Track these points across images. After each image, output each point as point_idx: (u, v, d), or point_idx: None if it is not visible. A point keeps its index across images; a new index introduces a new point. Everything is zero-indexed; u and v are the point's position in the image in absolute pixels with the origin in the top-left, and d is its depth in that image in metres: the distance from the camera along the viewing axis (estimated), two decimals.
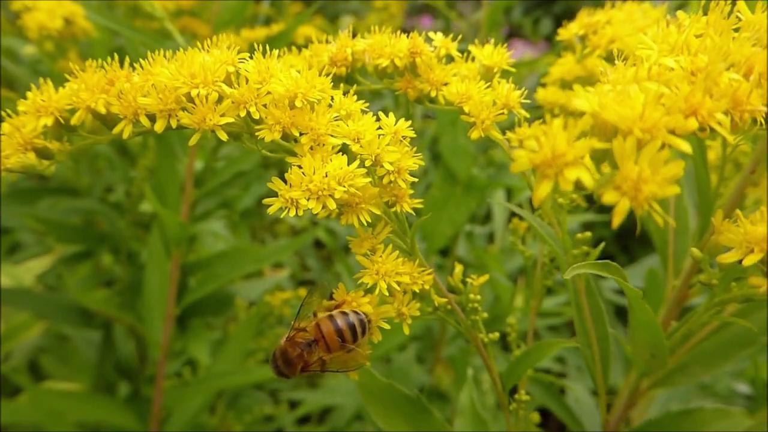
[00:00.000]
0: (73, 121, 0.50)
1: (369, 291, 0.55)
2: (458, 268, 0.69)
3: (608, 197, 0.30)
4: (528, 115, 0.61)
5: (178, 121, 0.49)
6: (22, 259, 1.88)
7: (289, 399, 1.82)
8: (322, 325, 0.55)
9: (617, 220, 0.30)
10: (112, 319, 1.52)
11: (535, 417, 0.87)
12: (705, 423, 0.77)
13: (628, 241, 2.92)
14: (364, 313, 0.55)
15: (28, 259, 1.86)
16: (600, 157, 0.33)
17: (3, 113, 0.52)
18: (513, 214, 2.16)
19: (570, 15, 0.86)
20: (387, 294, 0.53)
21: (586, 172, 0.30)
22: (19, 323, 1.75)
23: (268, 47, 0.53)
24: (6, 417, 1.41)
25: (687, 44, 0.38)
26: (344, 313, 0.54)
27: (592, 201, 0.84)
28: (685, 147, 0.31)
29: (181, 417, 1.44)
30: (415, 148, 0.54)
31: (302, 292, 1.67)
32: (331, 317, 0.54)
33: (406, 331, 0.56)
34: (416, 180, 0.54)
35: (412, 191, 0.55)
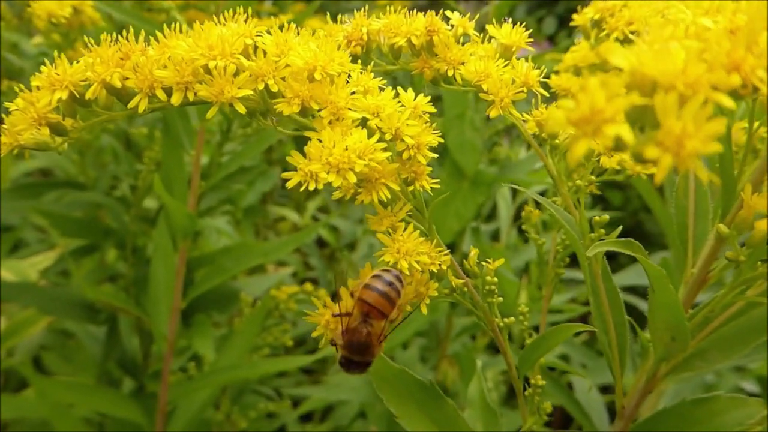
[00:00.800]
0: (88, 95, 0.49)
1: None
2: (473, 252, 0.68)
3: (650, 153, 0.29)
4: (547, 94, 0.60)
5: (195, 94, 0.48)
6: (25, 256, 1.87)
7: (293, 395, 1.81)
8: (365, 297, 0.54)
9: (661, 175, 0.29)
10: (117, 314, 1.51)
11: (548, 406, 0.86)
12: (720, 412, 0.76)
13: (632, 238, 2.91)
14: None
15: (31, 256, 1.85)
16: (636, 119, 0.32)
17: (11, 98, 0.51)
18: (519, 212, 2.15)
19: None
20: (408, 274, 0.53)
21: (626, 128, 0.30)
22: (23, 319, 1.74)
23: (285, 23, 0.52)
24: (10, 412, 1.40)
25: (721, 7, 0.37)
26: (377, 276, 0.53)
27: (597, 199, 0.83)
28: (729, 102, 0.30)
29: (186, 411, 1.43)
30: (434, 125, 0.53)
31: (308, 287, 1.66)
32: (367, 285, 0.54)
33: (425, 311, 0.55)
34: (436, 156, 0.54)
35: (431, 169, 0.54)
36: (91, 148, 1.59)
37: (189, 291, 1.44)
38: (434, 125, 0.56)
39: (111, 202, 1.54)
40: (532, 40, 0.63)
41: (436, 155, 0.53)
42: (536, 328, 1.28)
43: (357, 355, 0.56)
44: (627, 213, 3.08)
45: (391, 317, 0.56)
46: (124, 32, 0.50)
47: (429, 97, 0.54)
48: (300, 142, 0.52)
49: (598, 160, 0.60)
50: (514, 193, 2.10)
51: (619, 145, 0.30)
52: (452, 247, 1.98)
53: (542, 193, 2.16)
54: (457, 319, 1.84)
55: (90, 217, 1.63)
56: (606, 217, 0.66)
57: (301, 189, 0.48)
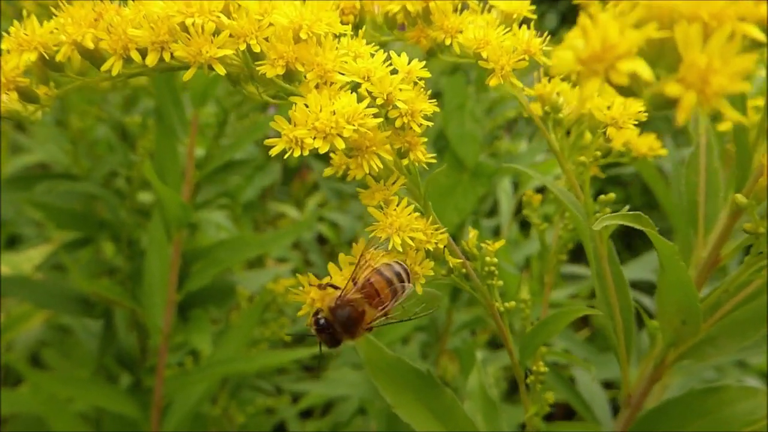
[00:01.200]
0: (59, 57, 0.46)
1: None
2: (472, 233, 0.65)
3: (671, 89, 0.26)
4: (549, 62, 0.56)
5: (171, 55, 0.45)
6: (22, 251, 1.85)
7: (292, 392, 1.78)
8: (373, 280, 0.52)
9: (683, 116, 0.26)
10: (112, 307, 1.49)
11: (550, 396, 0.83)
12: (729, 402, 0.73)
13: (631, 239, 2.88)
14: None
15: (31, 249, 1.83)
16: (652, 58, 0.29)
17: None
18: (520, 207, 2.12)
19: (575, 11, 0.82)
20: (400, 250, 0.49)
21: (642, 63, 0.26)
22: (20, 314, 1.72)
23: None
24: (7, 407, 1.38)
25: None
26: (389, 264, 0.51)
27: (597, 194, 0.80)
28: (759, 34, 0.27)
29: (182, 406, 1.41)
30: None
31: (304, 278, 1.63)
32: (378, 270, 0.51)
33: (419, 290, 0.52)
34: (431, 125, 0.50)
35: (425, 139, 0.51)
36: (85, 139, 1.56)
37: (185, 284, 1.41)
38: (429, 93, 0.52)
39: (106, 194, 1.52)
40: (534, 7, 0.60)
41: (434, 143, 0.49)
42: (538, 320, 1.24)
43: (340, 327, 0.53)
44: (629, 210, 3.05)
45: (386, 310, 0.54)
46: None
47: (424, 62, 0.51)
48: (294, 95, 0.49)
49: (605, 134, 0.56)
50: (515, 187, 2.07)
51: (634, 86, 0.27)
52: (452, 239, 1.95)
53: (542, 188, 2.13)
54: (457, 315, 1.81)
55: (84, 209, 1.61)
56: (612, 195, 0.62)
57: (285, 156, 0.44)
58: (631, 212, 0.46)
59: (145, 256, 1.42)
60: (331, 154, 0.58)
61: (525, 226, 2.19)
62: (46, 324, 1.80)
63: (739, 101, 0.48)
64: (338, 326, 0.53)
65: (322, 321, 0.53)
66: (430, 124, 0.50)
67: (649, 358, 0.66)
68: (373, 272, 0.53)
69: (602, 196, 0.63)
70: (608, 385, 1.60)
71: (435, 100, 0.52)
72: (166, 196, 1.21)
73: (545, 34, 0.59)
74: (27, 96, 0.47)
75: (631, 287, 1.77)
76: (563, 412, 2.02)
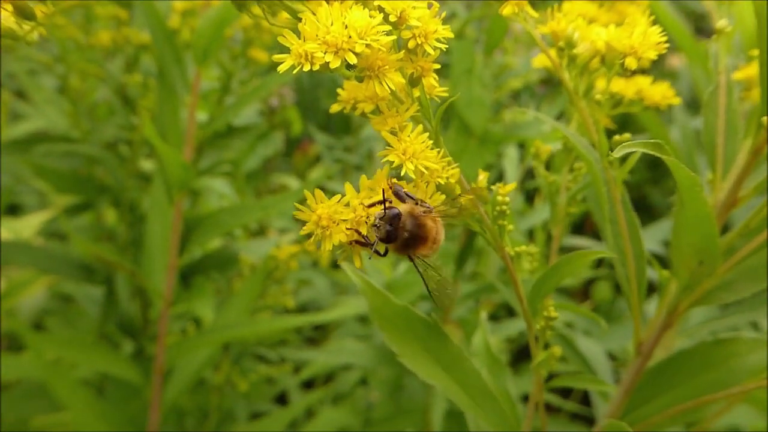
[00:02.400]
0: None
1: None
2: (482, 176, 0.63)
3: None
4: None
5: None
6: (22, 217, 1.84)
7: (294, 361, 1.78)
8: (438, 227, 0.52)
9: (659, 97, 0.24)
10: (114, 273, 1.48)
11: (557, 350, 0.81)
12: (741, 353, 0.72)
13: (637, 210, 2.88)
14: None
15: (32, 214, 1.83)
16: None
17: None
18: (525, 177, 2.10)
19: None
20: (413, 177, 0.48)
21: None
22: (21, 280, 1.72)
23: None
24: (9, 373, 1.37)
25: None
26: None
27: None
28: None
29: (184, 371, 1.40)
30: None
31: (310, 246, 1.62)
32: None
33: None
34: (445, 47, 0.48)
35: (438, 66, 0.49)
36: (85, 101, 1.54)
37: (186, 249, 1.40)
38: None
39: (106, 156, 1.50)
40: None
41: (445, 47, 0.47)
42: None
43: (405, 232, 0.50)
44: (631, 185, 3.04)
45: (431, 252, 0.54)
46: None
47: None
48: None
49: (623, 64, 0.54)
50: (521, 156, 2.05)
51: None
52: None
53: (547, 167, 2.10)
54: (462, 284, 1.80)
55: (85, 173, 1.59)
56: (627, 135, 0.60)
57: (295, 71, 0.43)
58: (651, 140, 0.44)
59: (146, 220, 1.41)
60: (339, 90, 0.57)
61: (530, 197, 2.18)
62: (48, 292, 1.80)
63: (764, 24, 0.46)
64: (405, 231, 0.50)
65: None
66: (444, 47, 0.48)
67: (662, 304, 0.64)
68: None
69: (617, 137, 0.61)
70: (611, 357, 1.60)
71: (442, 66, 0.50)
72: (167, 155, 1.19)
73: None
74: (23, 12, 0.45)
75: None
76: (563, 389, 2.03)
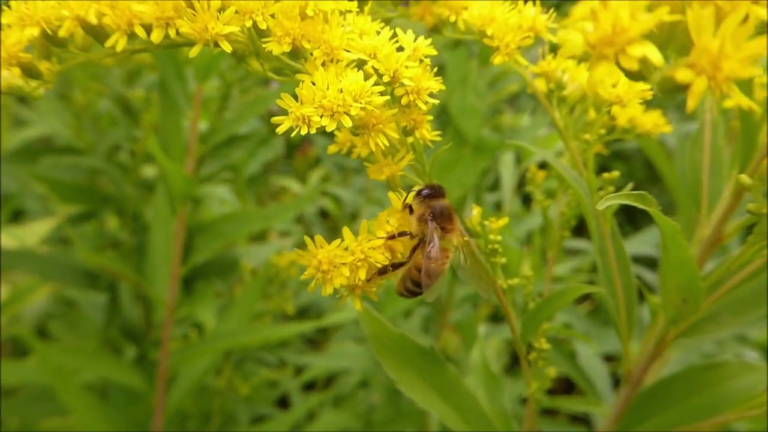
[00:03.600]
0: (61, 33, 0.46)
1: None
2: (476, 210, 0.65)
3: (682, 75, 0.26)
4: (554, 40, 0.56)
5: (177, 31, 0.45)
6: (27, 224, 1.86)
7: (295, 364, 1.80)
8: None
9: (693, 102, 0.25)
10: (117, 280, 1.50)
11: (551, 372, 0.84)
12: (730, 377, 0.74)
13: (635, 214, 2.88)
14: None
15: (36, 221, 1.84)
16: (662, 44, 0.28)
17: None
18: (521, 181, 2.11)
19: None
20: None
21: (653, 48, 0.26)
22: (25, 286, 1.74)
23: None
24: (13, 378, 1.40)
25: None
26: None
27: (600, 169, 0.80)
28: None
29: (187, 378, 1.43)
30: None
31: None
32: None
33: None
34: (437, 102, 0.50)
35: (431, 117, 0.51)
36: (88, 112, 1.56)
37: (189, 257, 1.42)
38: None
39: (109, 168, 1.52)
40: None
41: (437, 117, 0.49)
42: (540, 296, 1.25)
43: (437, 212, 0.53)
44: (632, 180, 3.04)
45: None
46: None
47: (430, 40, 0.50)
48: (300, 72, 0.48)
49: (609, 112, 0.56)
50: (518, 161, 2.07)
51: (644, 70, 0.27)
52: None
53: (544, 164, 2.12)
54: (459, 288, 1.82)
55: (88, 183, 1.61)
56: (616, 173, 0.62)
57: (293, 134, 0.44)
58: (634, 192, 0.46)
59: (149, 230, 1.43)
60: (336, 132, 0.58)
61: (527, 200, 2.19)
62: (52, 297, 1.82)
63: (745, 80, 0.48)
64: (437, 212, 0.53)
65: (426, 191, 0.53)
66: (436, 102, 0.49)
67: (650, 334, 0.66)
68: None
69: (606, 174, 0.63)
70: (609, 358, 1.62)
71: (438, 74, 0.51)
72: (170, 169, 1.21)
73: (551, 8, 0.58)
74: (29, 71, 0.47)
75: (633, 262, 1.78)
76: (564, 386, 2.05)
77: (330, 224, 2.48)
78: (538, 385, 0.65)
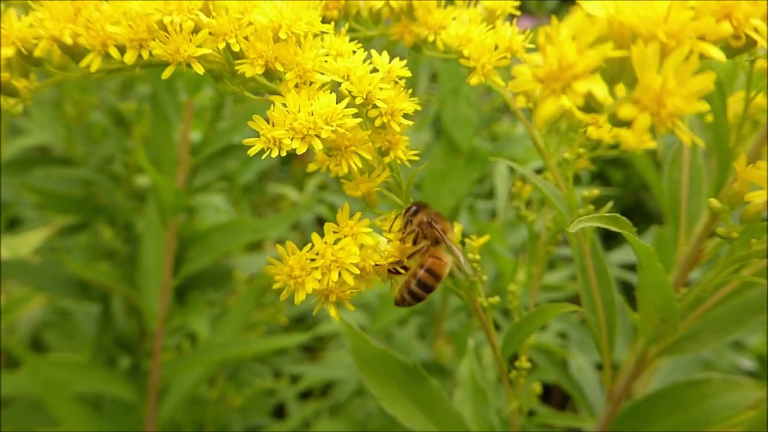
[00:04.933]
0: (37, 52, 0.46)
1: None
2: (456, 228, 0.65)
3: (625, 112, 0.26)
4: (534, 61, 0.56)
5: (150, 52, 0.45)
6: (22, 233, 1.86)
7: (291, 373, 1.80)
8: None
9: (635, 140, 0.25)
10: (109, 292, 1.50)
11: (536, 388, 0.83)
12: (713, 394, 0.73)
13: (631, 219, 2.87)
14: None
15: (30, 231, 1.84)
16: (613, 77, 0.28)
17: None
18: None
19: None
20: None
21: (599, 84, 0.26)
22: (20, 296, 1.74)
23: None
24: (6, 389, 1.40)
25: None
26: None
27: (597, 176, 0.79)
28: (718, 54, 0.27)
29: (179, 389, 1.42)
30: (414, 119, 0.50)
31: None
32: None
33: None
34: (412, 124, 0.50)
35: (407, 138, 0.51)
36: (81, 122, 1.56)
37: (181, 268, 1.42)
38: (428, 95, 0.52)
39: (101, 179, 1.52)
40: (518, 3, 0.59)
41: (412, 123, 0.49)
42: (536, 305, 1.25)
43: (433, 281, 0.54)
44: (628, 191, 3.04)
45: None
46: None
47: (405, 61, 0.51)
48: (275, 93, 0.49)
49: (585, 132, 0.56)
50: (512, 170, 2.07)
51: (591, 105, 0.27)
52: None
53: (539, 170, 2.11)
54: (453, 297, 1.82)
55: (81, 194, 1.61)
56: (596, 191, 0.62)
57: (263, 157, 0.45)
58: (608, 214, 0.46)
59: (141, 241, 1.43)
60: (316, 150, 0.58)
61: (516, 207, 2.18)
62: (46, 306, 1.82)
63: (718, 98, 0.48)
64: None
65: (414, 207, 0.55)
66: (410, 123, 0.50)
67: (632, 352, 0.66)
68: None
69: (585, 193, 0.63)
70: (601, 366, 1.61)
71: (432, 81, 0.52)
72: (160, 184, 1.22)
73: (548, 14, 0.58)
74: (7, 90, 0.47)
75: (622, 268, 1.77)
76: (560, 395, 2.04)
77: None
78: (519, 404, 0.65)
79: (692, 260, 0.58)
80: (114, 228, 1.61)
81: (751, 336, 1.63)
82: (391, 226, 0.54)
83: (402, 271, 0.54)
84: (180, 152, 1.36)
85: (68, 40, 0.45)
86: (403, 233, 0.54)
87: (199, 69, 0.46)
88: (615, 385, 0.66)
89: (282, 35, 0.46)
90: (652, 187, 1.07)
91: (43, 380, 1.29)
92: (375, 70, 0.49)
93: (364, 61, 0.48)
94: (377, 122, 0.48)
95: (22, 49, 0.46)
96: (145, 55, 0.45)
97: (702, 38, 0.27)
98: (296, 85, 0.46)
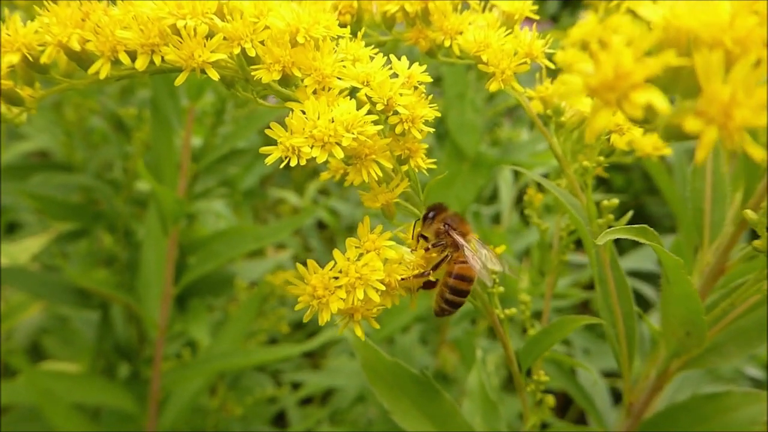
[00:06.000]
0: (43, 59, 0.44)
1: None
2: (473, 241, 0.63)
3: (691, 125, 0.24)
4: (552, 66, 0.55)
5: (162, 58, 0.43)
6: (22, 238, 1.84)
7: (292, 380, 1.78)
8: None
9: (703, 153, 0.23)
10: (109, 299, 1.48)
11: (550, 400, 0.82)
12: (734, 407, 0.72)
13: (634, 224, 2.86)
14: None
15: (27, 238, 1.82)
16: (667, 86, 0.27)
17: None
18: (521, 195, 2.10)
19: None
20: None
21: (659, 94, 0.24)
22: (19, 302, 1.71)
23: None
24: (4, 397, 1.37)
25: None
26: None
27: (598, 181, 0.78)
28: None
29: (179, 399, 1.40)
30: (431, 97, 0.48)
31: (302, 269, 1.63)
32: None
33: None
34: (433, 131, 0.49)
35: (427, 146, 0.49)
36: (81, 128, 1.54)
37: (182, 276, 1.40)
38: (431, 99, 0.51)
39: (100, 185, 1.50)
40: (536, 7, 0.58)
41: (433, 131, 0.48)
42: (539, 314, 1.23)
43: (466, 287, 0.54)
44: (629, 195, 3.04)
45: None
46: None
47: (425, 66, 0.49)
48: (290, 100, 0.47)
49: (608, 139, 0.55)
50: (516, 175, 2.05)
51: (649, 117, 0.25)
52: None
53: (544, 176, 2.10)
54: None
55: (79, 201, 1.59)
56: (615, 201, 0.61)
57: (281, 165, 0.43)
58: (635, 225, 0.44)
59: (141, 249, 1.41)
60: (329, 158, 0.57)
61: (526, 215, 2.17)
62: (46, 312, 1.80)
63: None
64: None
65: (432, 213, 0.54)
66: (431, 130, 0.48)
67: (651, 365, 0.64)
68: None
69: (605, 202, 0.61)
70: (609, 374, 1.60)
71: (434, 84, 0.50)
72: (161, 193, 1.20)
73: (549, 19, 0.56)
74: (10, 98, 0.45)
75: (634, 276, 1.74)
76: (562, 401, 2.03)
77: (327, 234, 2.46)
78: (537, 418, 0.63)
79: (717, 272, 0.56)
80: (114, 234, 1.59)
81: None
82: (413, 235, 0.52)
83: (433, 280, 0.53)
84: (181, 158, 1.35)
85: (76, 46, 0.43)
86: (426, 242, 0.53)
87: (213, 75, 0.44)
88: (635, 399, 0.64)
89: (300, 39, 0.44)
90: (665, 194, 1.05)
91: (40, 392, 1.26)
92: (395, 76, 0.47)
93: (384, 66, 0.47)
94: (398, 129, 0.46)
95: (28, 56, 0.44)
96: (157, 60, 0.43)
97: None
98: (314, 91, 0.45)
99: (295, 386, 1.80)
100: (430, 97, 0.48)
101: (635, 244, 2.44)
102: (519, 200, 2.06)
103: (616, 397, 1.24)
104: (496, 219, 2.13)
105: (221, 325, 1.55)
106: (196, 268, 1.43)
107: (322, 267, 0.49)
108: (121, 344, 1.57)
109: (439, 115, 0.49)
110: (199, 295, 1.57)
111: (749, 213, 0.43)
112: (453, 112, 1.57)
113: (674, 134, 0.25)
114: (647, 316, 0.75)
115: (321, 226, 2.44)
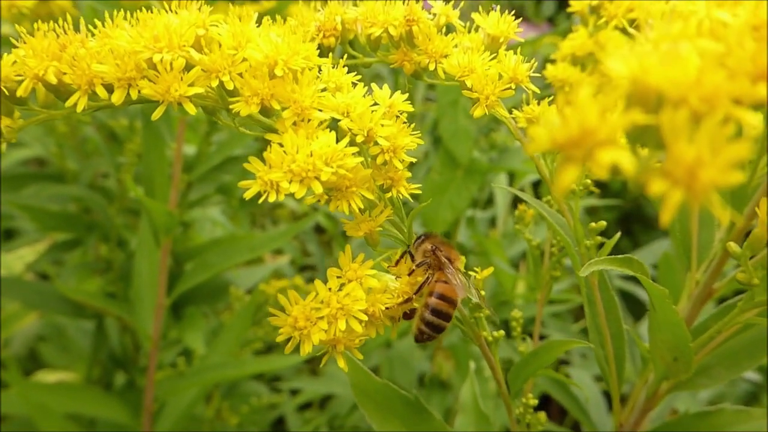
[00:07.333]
0: (19, 92, 0.43)
1: None
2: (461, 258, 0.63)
3: (656, 187, 0.23)
4: (538, 91, 0.54)
5: (139, 92, 0.43)
6: (19, 246, 1.83)
7: (289, 387, 1.78)
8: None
9: (667, 215, 0.23)
10: (101, 311, 1.48)
11: (542, 417, 0.81)
12: (726, 424, 0.71)
13: (631, 225, 2.85)
14: None
15: (24, 246, 1.81)
16: (637, 138, 0.26)
17: None
18: (517, 199, 2.10)
19: None
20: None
21: (625, 154, 0.24)
22: (15, 311, 1.71)
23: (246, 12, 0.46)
24: (2, 406, 1.37)
25: None
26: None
27: (595, 184, 0.78)
28: (755, 120, 0.24)
29: (174, 409, 1.40)
30: (413, 126, 0.47)
31: (298, 280, 1.62)
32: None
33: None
34: (414, 160, 0.48)
35: (409, 174, 0.49)
36: (73, 137, 1.54)
37: (177, 285, 1.40)
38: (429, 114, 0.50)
39: (93, 196, 1.49)
40: (521, 30, 0.57)
41: (414, 159, 0.47)
42: (533, 320, 1.22)
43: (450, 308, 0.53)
44: (627, 197, 3.04)
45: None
46: (61, 21, 0.44)
47: (407, 95, 0.48)
48: (271, 130, 0.46)
49: None
50: (511, 179, 2.05)
51: (616, 173, 0.25)
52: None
53: (537, 183, 2.09)
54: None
55: (73, 211, 1.58)
56: (603, 223, 0.60)
57: (260, 201, 0.42)
58: (620, 256, 0.44)
59: (133, 260, 1.40)
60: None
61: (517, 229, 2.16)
62: (42, 320, 1.80)
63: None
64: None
65: (422, 237, 0.54)
66: (414, 159, 0.47)
67: (641, 386, 0.64)
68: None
69: (593, 224, 0.61)
70: (601, 378, 1.59)
71: (429, 90, 0.50)
72: (151, 206, 1.19)
73: (547, 20, 0.56)
74: None
75: (628, 279, 1.72)
76: (560, 407, 2.02)
77: (325, 238, 2.45)
78: None
79: (705, 295, 0.56)
80: (107, 244, 1.59)
81: None
82: (398, 262, 0.52)
83: (415, 308, 0.52)
84: (173, 168, 1.34)
85: (52, 79, 0.42)
86: (413, 267, 0.52)
87: (191, 109, 0.43)
88: (625, 419, 0.64)
89: (278, 72, 0.43)
90: (653, 204, 1.04)
91: (33, 405, 1.26)
92: (375, 105, 0.46)
93: (365, 95, 0.46)
94: (379, 160, 0.46)
95: (4, 90, 0.44)
96: (134, 94, 0.43)
97: (737, 101, 0.25)
98: (294, 123, 0.44)
99: (294, 393, 1.80)
100: (413, 125, 0.48)
101: (632, 245, 2.43)
102: (514, 205, 2.05)
103: (611, 405, 1.24)
104: (493, 222, 2.13)
105: (216, 335, 1.54)
106: (190, 278, 1.43)
107: (320, 270, 0.49)
108: (116, 353, 1.56)
109: (422, 143, 0.48)
110: (194, 303, 1.57)
111: (732, 245, 0.43)
112: (446, 120, 1.57)
113: (642, 189, 0.25)
114: (642, 322, 0.75)
115: (319, 230, 2.44)
